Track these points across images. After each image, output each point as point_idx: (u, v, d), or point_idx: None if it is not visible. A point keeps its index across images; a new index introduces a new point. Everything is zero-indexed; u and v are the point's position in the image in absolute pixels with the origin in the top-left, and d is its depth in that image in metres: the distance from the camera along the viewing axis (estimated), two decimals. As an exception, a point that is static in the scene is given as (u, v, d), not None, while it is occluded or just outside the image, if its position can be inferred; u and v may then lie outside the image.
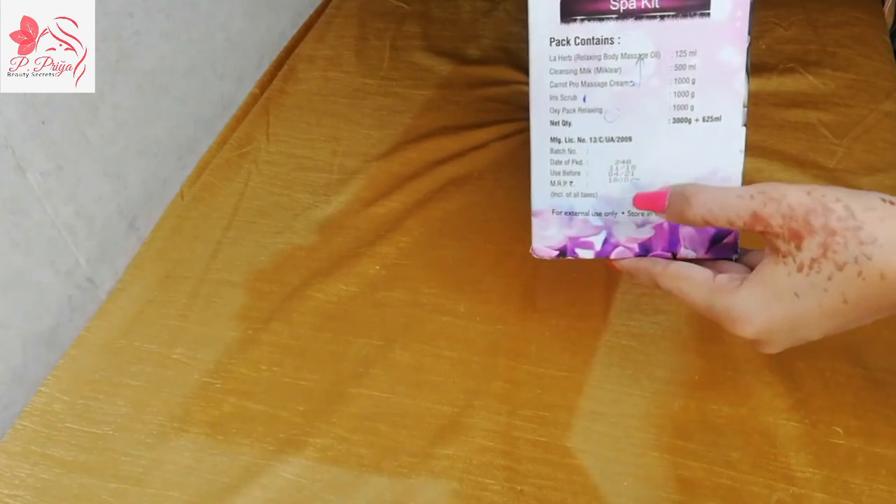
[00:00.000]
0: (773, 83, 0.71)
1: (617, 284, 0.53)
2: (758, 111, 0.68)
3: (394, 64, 0.78)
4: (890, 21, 0.81)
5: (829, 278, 0.32)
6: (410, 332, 0.52)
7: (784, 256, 0.33)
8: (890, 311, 0.33)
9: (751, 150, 0.63)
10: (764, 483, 0.42)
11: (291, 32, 0.83)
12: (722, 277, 0.36)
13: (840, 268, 0.32)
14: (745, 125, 0.38)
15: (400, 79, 0.76)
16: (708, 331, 0.49)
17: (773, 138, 0.65)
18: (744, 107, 0.38)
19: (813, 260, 0.32)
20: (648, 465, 0.44)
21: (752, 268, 0.36)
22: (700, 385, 0.47)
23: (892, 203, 0.31)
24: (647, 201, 0.39)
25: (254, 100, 0.74)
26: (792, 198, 0.33)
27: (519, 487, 0.43)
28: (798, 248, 0.32)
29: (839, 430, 0.44)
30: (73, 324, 0.55)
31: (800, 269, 0.33)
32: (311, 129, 0.70)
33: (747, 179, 0.61)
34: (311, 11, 0.86)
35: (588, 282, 0.53)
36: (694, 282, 0.37)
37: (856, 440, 0.44)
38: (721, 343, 0.49)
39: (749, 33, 0.37)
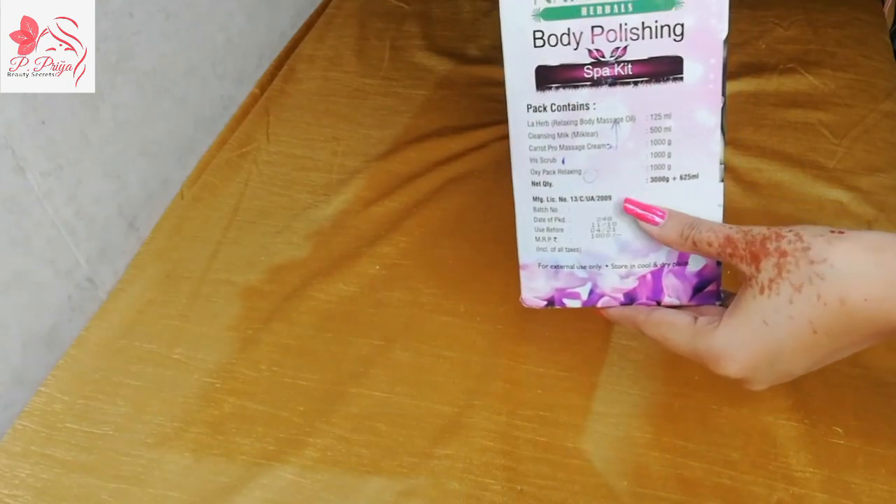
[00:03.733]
0: (773, 83, 0.71)
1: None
2: (758, 111, 0.68)
3: (394, 64, 0.78)
4: (890, 21, 0.81)
5: (791, 301, 0.33)
6: (410, 332, 0.52)
7: (749, 280, 0.35)
8: (865, 344, 0.34)
9: (751, 149, 0.64)
10: (764, 483, 0.42)
11: (291, 32, 0.83)
12: (702, 320, 0.37)
13: (797, 289, 0.33)
14: (722, 181, 0.39)
15: (400, 79, 0.76)
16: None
17: (773, 138, 0.65)
18: (720, 164, 0.39)
19: (770, 280, 0.34)
20: (648, 465, 0.44)
21: None
22: (700, 385, 0.47)
23: (840, 232, 0.33)
24: (639, 211, 0.39)
25: (254, 100, 0.74)
26: (756, 228, 0.36)
27: (519, 487, 0.43)
28: (757, 269, 0.35)
29: (839, 430, 0.44)
30: (73, 324, 0.55)
31: (761, 291, 0.34)
32: (311, 129, 0.70)
33: (748, 178, 0.62)
34: (311, 11, 0.86)
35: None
36: (676, 328, 0.38)
37: (856, 440, 0.44)
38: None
39: (723, 94, 0.37)
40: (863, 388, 0.46)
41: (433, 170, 0.64)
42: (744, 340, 0.35)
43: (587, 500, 0.42)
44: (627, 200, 0.40)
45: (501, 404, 0.47)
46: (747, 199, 0.60)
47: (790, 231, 0.34)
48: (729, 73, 0.38)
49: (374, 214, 0.61)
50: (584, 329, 0.51)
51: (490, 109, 0.70)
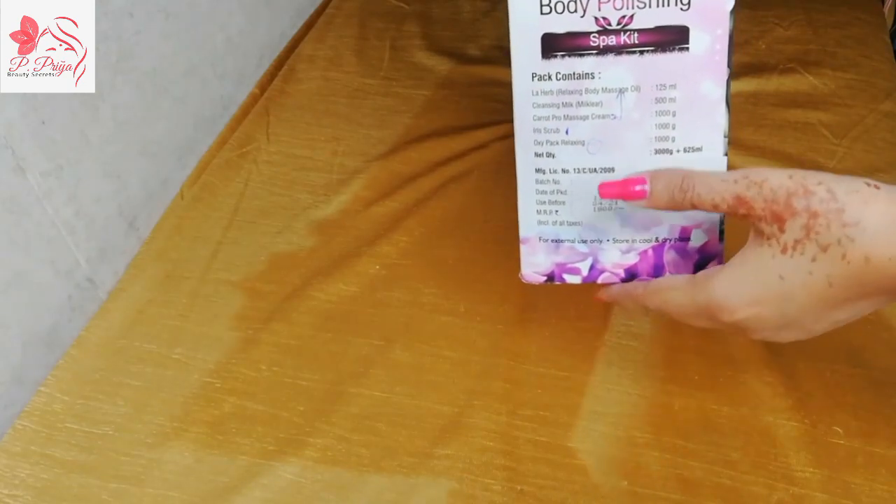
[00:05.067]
0: (773, 83, 0.71)
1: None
2: (758, 111, 0.68)
3: (394, 64, 0.78)
4: (890, 21, 0.81)
5: (814, 259, 0.32)
6: (410, 332, 0.52)
7: (768, 239, 0.33)
8: (875, 297, 0.32)
9: (751, 149, 0.64)
10: (764, 483, 0.42)
11: (291, 32, 0.83)
12: (700, 273, 0.36)
13: (824, 249, 0.31)
14: (726, 154, 0.39)
15: (400, 79, 0.76)
16: (708, 330, 0.49)
17: (773, 138, 0.65)
18: (724, 137, 0.38)
19: (796, 241, 0.32)
20: (648, 465, 0.44)
21: None
22: (700, 385, 0.47)
23: (876, 187, 0.31)
24: (615, 190, 0.37)
25: (254, 100, 0.74)
26: (773, 181, 0.33)
27: (519, 487, 0.43)
28: (781, 230, 0.32)
29: (839, 430, 0.44)
30: (73, 324, 0.55)
31: (783, 251, 0.33)
32: (311, 129, 0.70)
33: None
34: (311, 11, 0.86)
35: (588, 282, 0.53)
36: (675, 288, 0.37)
37: (856, 440, 0.44)
38: (721, 343, 0.49)
39: (729, 66, 0.37)
40: (863, 388, 0.46)
41: (434, 170, 0.64)
42: (749, 285, 0.33)
43: (587, 500, 0.42)
44: (601, 186, 0.38)
45: (501, 404, 0.47)
46: (747, 199, 0.60)
47: (820, 185, 0.32)
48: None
49: (375, 214, 0.61)
50: (583, 329, 0.51)
51: (490, 109, 0.70)
